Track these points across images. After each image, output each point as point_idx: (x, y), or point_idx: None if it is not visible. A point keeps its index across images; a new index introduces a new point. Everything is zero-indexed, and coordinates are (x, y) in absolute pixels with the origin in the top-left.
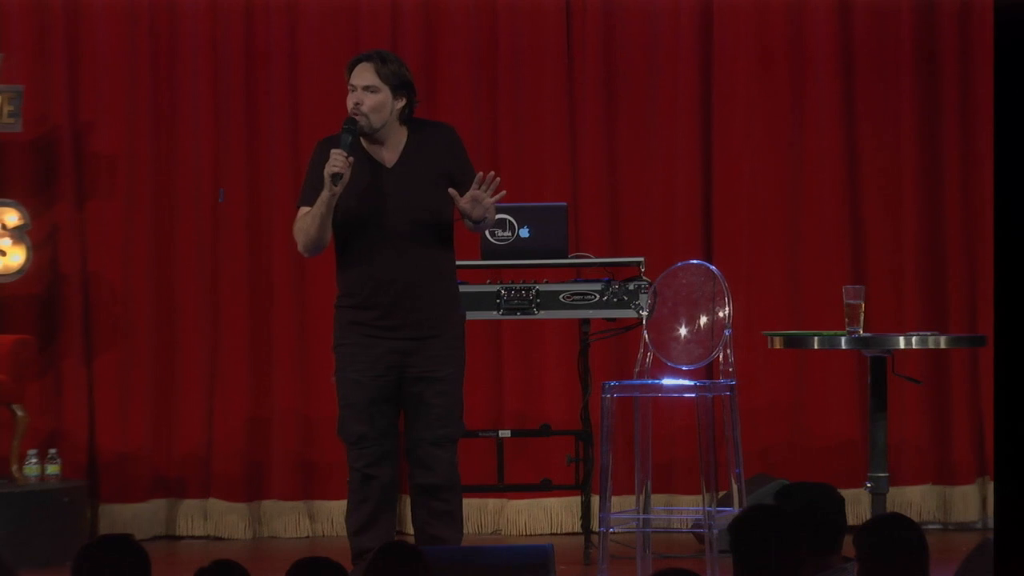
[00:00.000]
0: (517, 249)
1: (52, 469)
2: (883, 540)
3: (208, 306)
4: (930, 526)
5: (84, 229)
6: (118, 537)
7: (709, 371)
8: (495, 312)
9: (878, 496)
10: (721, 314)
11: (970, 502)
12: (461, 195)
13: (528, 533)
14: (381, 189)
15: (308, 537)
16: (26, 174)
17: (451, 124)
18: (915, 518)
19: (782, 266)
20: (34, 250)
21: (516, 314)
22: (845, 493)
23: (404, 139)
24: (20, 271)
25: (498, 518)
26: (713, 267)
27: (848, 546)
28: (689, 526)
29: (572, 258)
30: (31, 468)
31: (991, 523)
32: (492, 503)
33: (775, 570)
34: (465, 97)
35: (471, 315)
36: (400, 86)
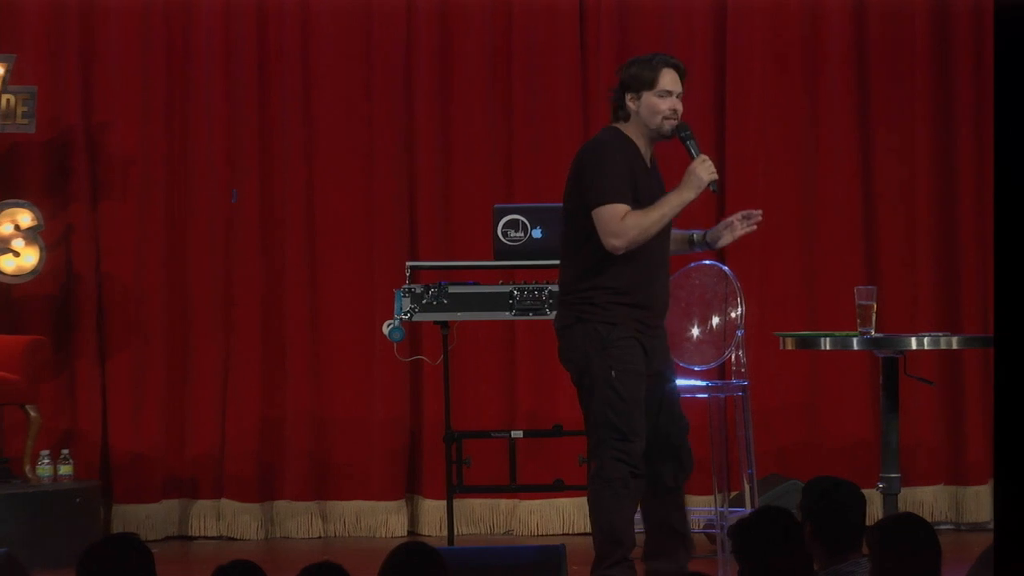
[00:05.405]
0: (530, 249)
1: (65, 469)
2: (895, 540)
3: (221, 306)
4: (943, 526)
5: (98, 230)
6: (123, 537)
7: (721, 371)
8: (508, 312)
9: (890, 496)
10: (734, 315)
11: (983, 502)
12: None
13: (540, 533)
14: (652, 190)
15: (321, 538)
16: (40, 175)
17: (466, 123)
18: (928, 518)
19: (796, 267)
20: (48, 251)
21: (529, 314)
22: None
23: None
24: (34, 272)
25: (510, 518)
26: (726, 268)
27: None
28: (701, 526)
29: None
30: (44, 468)
31: None
32: (504, 503)
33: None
34: (479, 97)
35: (483, 315)
36: None
